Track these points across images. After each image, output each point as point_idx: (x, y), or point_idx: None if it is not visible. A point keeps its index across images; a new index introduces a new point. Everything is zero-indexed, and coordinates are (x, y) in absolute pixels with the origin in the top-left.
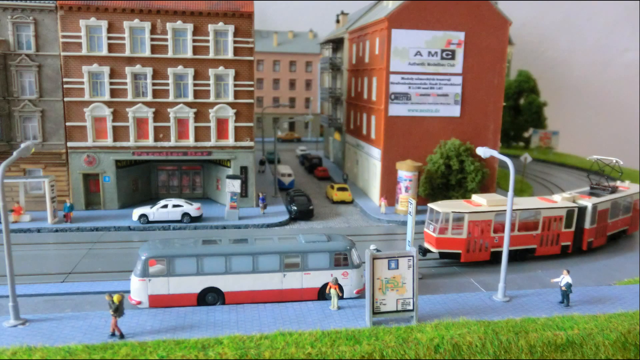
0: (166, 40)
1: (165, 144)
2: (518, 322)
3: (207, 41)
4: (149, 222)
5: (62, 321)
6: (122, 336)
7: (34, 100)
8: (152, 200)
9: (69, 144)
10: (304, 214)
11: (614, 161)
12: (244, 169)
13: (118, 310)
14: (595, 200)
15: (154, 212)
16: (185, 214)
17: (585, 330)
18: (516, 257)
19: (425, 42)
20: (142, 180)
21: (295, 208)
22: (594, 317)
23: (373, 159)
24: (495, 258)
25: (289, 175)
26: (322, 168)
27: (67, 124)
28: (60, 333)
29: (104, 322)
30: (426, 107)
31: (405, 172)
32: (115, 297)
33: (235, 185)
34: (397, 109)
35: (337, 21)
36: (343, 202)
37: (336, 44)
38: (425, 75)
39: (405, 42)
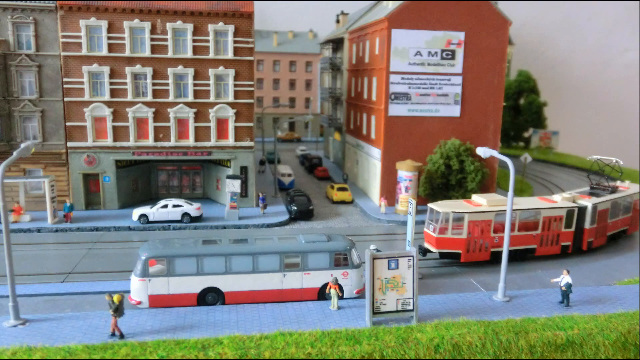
0: (166, 40)
1: (165, 144)
2: (518, 322)
3: (207, 41)
4: (149, 222)
5: (62, 321)
6: (122, 336)
7: (34, 100)
8: (152, 200)
9: (69, 144)
10: (304, 214)
11: (614, 161)
12: (244, 169)
13: (118, 310)
14: (595, 200)
15: (154, 212)
16: (185, 214)
17: (585, 330)
18: (516, 257)
19: (425, 42)
20: (142, 180)
21: (295, 208)
22: (594, 317)
23: (373, 159)
24: (495, 258)
25: (289, 175)
26: (322, 168)
27: (67, 124)
28: (60, 333)
29: (104, 322)
30: (426, 107)
31: (405, 172)
32: (115, 297)
33: (235, 185)
34: (397, 109)
35: (337, 21)
36: (343, 202)
37: (336, 44)
38: (425, 75)
39: (405, 42)
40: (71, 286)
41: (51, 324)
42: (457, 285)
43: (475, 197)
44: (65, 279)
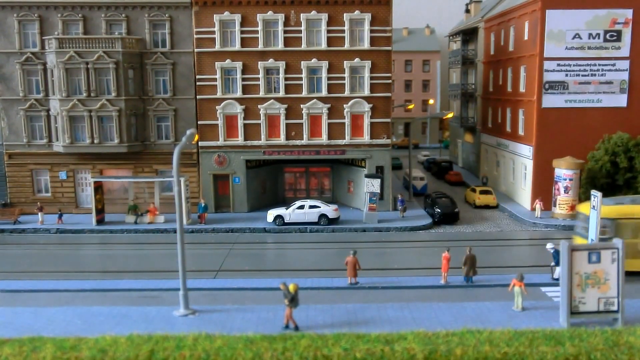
0: (300, 32)
1: (297, 142)
2: None
3: (342, 31)
4: (284, 223)
5: (230, 313)
6: (297, 328)
7: (167, 99)
8: (278, 204)
9: (200, 143)
10: (448, 217)
11: None
12: (380, 169)
13: (294, 301)
14: None
15: (289, 213)
16: (322, 216)
17: None
18: None
19: (585, 23)
20: (269, 182)
21: (440, 211)
22: None
23: (521, 157)
24: None
25: (421, 179)
26: (454, 172)
27: (199, 122)
28: (232, 324)
29: (273, 316)
30: (586, 96)
31: (564, 171)
32: (291, 287)
33: (375, 185)
34: (552, 100)
35: (467, 11)
36: (487, 207)
37: (468, 35)
38: (585, 61)
39: (562, 24)
40: (225, 282)
41: (220, 315)
42: None
43: None
44: (216, 276)
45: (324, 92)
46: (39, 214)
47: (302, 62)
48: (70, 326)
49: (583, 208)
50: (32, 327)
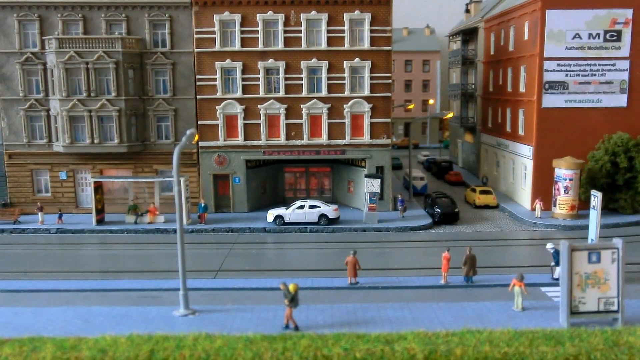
0: (300, 32)
1: (297, 142)
2: None
3: (342, 31)
4: (284, 223)
5: (230, 313)
6: (297, 328)
7: (167, 99)
8: (278, 204)
9: (200, 143)
10: (448, 217)
11: None
12: (379, 169)
13: (294, 301)
14: None
15: (289, 213)
16: (322, 216)
17: None
18: None
19: (585, 23)
20: (269, 182)
21: (439, 211)
22: None
23: (521, 157)
24: None
25: (421, 178)
26: (454, 172)
27: (199, 122)
28: (232, 324)
29: (273, 315)
30: (586, 96)
31: (564, 171)
32: (291, 287)
33: (375, 185)
34: (552, 100)
35: (467, 11)
36: (487, 207)
37: (468, 35)
38: (585, 61)
39: (562, 24)
40: (225, 282)
41: (220, 315)
42: None
43: None
44: (216, 276)
45: (324, 92)
46: (39, 214)
47: (302, 62)
48: (70, 326)
49: None
50: (32, 327)
